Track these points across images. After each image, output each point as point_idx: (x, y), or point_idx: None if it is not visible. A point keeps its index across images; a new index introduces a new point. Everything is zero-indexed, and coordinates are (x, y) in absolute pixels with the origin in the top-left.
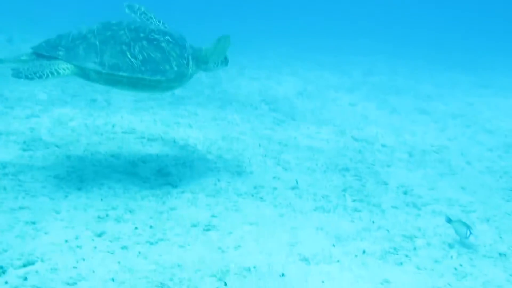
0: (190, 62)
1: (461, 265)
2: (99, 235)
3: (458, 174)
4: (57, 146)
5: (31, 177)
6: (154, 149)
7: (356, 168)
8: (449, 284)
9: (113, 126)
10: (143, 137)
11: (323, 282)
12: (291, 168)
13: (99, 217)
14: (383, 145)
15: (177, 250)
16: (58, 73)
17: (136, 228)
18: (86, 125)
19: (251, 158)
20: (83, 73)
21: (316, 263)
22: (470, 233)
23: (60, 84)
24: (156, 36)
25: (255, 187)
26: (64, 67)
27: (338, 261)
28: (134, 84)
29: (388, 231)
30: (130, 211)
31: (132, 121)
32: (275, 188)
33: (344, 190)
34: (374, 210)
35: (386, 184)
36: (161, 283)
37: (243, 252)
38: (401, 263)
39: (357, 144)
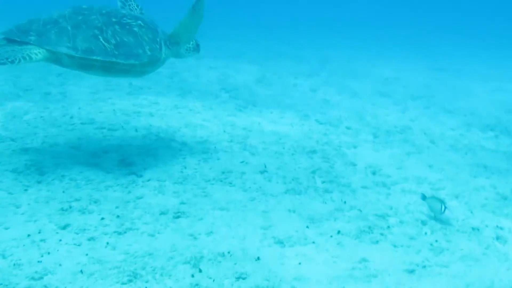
0: (163, 47)
1: (436, 241)
2: (64, 227)
3: (424, 152)
4: (12, 139)
5: None
6: (115, 139)
7: (324, 150)
8: (426, 260)
9: (71, 117)
10: (103, 128)
11: (300, 264)
12: (258, 153)
13: (62, 209)
14: (347, 127)
15: (147, 238)
16: (31, 58)
17: (102, 218)
18: (42, 117)
19: (216, 145)
20: (56, 58)
21: (291, 245)
22: (445, 207)
23: (11, 78)
24: (128, 21)
25: (223, 173)
26: (36, 51)
27: (313, 242)
28: (107, 68)
29: (360, 210)
30: (95, 202)
31: (90, 112)
32: (243, 173)
33: (313, 172)
34: (344, 191)
35: (354, 165)
36: (133, 272)
37: (215, 237)
38: (377, 242)
39: (322, 127)
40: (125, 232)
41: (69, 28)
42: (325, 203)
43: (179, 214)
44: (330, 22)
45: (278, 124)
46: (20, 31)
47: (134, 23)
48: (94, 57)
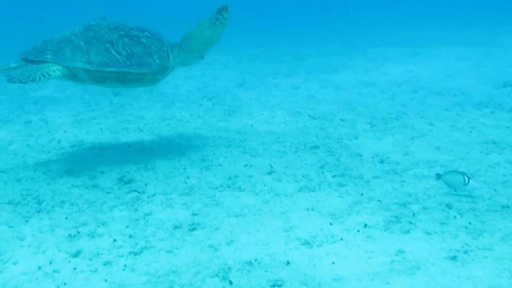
0: (170, 55)
1: (470, 223)
2: (75, 254)
3: (428, 135)
4: (2, 171)
5: None
6: (109, 158)
7: (326, 144)
8: (466, 244)
9: (59, 142)
10: (94, 148)
11: (333, 263)
12: (260, 154)
13: (70, 236)
14: (342, 120)
15: (165, 255)
16: (49, 75)
17: (114, 240)
18: (28, 146)
19: (215, 151)
20: (72, 74)
21: (318, 245)
22: (469, 178)
23: None
24: (136, 33)
25: (229, 178)
26: (54, 68)
27: (341, 239)
28: (121, 79)
29: (380, 201)
30: (102, 224)
31: (77, 134)
32: (250, 176)
33: (322, 167)
34: (358, 183)
35: (360, 155)
36: None
37: (237, 246)
38: (407, 231)
39: (316, 122)
40: (141, 252)
41: (82, 44)
42: (342, 197)
43: (194, 226)
44: (299, 19)
45: (271, 124)
46: (36, 51)
47: (141, 35)
48: (109, 69)
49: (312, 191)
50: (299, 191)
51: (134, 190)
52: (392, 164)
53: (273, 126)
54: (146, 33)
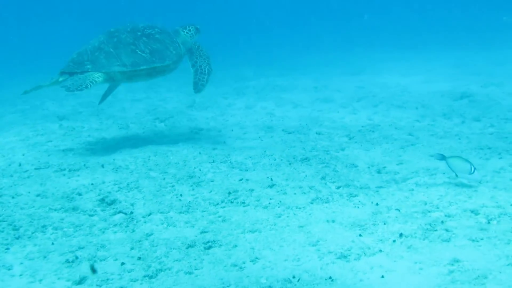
0: (180, 44)
1: None
2: (80, 282)
3: (417, 144)
4: None
5: None
6: (82, 179)
7: (316, 156)
8: None
9: (20, 165)
10: (63, 169)
11: (382, 277)
12: (251, 168)
13: (67, 261)
14: (318, 133)
15: (185, 277)
16: (95, 81)
17: (122, 263)
18: None
19: (199, 167)
20: (109, 77)
21: (356, 258)
22: (474, 168)
23: None
24: (150, 31)
25: (229, 193)
26: (97, 75)
27: (380, 250)
28: (150, 73)
29: (398, 210)
30: (101, 247)
31: (37, 156)
32: (251, 190)
33: (323, 178)
34: (367, 193)
35: (355, 166)
36: None
37: (264, 264)
38: (449, 239)
39: (293, 136)
40: (156, 275)
41: (112, 50)
42: (358, 207)
43: (209, 244)
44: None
45: (246, 140)
46: (76, 63)
47: (154, 31)
48: (140, 67)
49: (326, 203)
50: (312, 203)
51: (120, 212)
52: (391, 174)
53: (248, 142)
54: (156, 29)
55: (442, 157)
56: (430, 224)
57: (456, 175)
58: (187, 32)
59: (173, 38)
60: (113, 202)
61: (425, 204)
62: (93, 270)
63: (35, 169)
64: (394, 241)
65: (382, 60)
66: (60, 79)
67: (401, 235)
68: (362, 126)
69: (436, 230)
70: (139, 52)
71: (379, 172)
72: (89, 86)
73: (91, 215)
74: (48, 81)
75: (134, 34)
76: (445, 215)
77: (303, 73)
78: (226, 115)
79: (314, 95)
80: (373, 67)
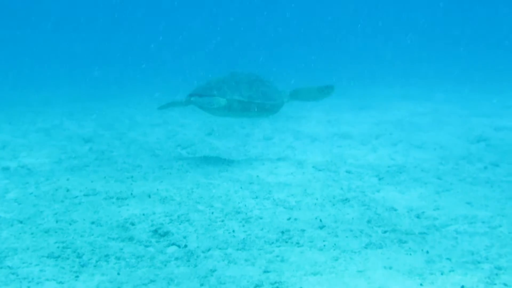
0: (283, 95)
1: None
2: None
3: (451, 190)
4: (20, 221)
5: (20, 261)
6: (132, 208)
7: (355, 197)
8: None
9: (68, 190)
10: (111, 197)
11: None
12: (295, 207)
13: None
14: (347, 172)
15: None
16: (219, 103)
17: None
18: (32, 194)
19: (244, 202)
20: (228, 104)
21: None
22: None
23: None
24: (262, 78)
25: (282, 232)
26: (220, 100)
27: None
28: (260, 108)
29: (449, 259)
30: (171, 280)
31: (82, 182)
32: (303, 230)
33: (369, 221)
34: (414, 239)
35: (395, 210)
36: None
37: None
38: None
39: (323, 174)
40: None
41: (234, 84)
42: (410, 254)
43: (276, 285)
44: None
45: (278, 175)
46: (204, 89)
47: (264, 81)
48: (255, 101)
49: (379, 248)
50: (366, 248)
51: (174, 244)
52: (430, 219)
53: (281, 177)
54: (264, 80)
55: None
56: (488, 277)
57: None
58: (284, 92)
59: (277, 89)
60: (166, 233)
61: (473, 254)
62: None
63: (84, 195)
64: None
65: (388, 97)
66: (192, 98)
67: (462, 287)
68: (389, 167)
69: (495, 284)
70: (254, 90)
71: (418, 217)
72: (215, 106)
73: (147, 246)
74: (185, 101)
75: (249, 78)
76: (496, 267)
77: (313, 104)
78: (247, 146)
79: (329, 129)
80: (380, 103)
